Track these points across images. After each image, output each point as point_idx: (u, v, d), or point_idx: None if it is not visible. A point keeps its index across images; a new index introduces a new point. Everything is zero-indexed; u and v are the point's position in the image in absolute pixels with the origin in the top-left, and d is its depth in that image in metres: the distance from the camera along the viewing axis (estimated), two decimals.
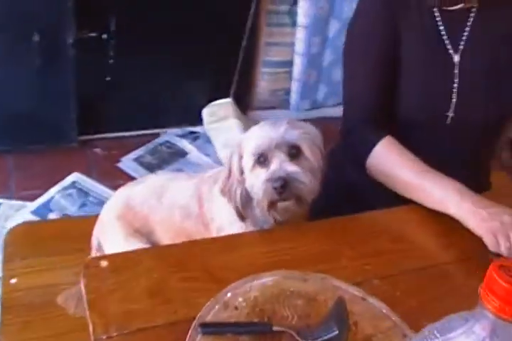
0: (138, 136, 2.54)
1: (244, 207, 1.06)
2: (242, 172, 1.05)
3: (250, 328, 0.81)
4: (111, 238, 1.22)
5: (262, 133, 1.02)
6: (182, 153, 2.47)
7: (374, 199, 1.17)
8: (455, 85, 1.17)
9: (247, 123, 2.49)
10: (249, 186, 1.04)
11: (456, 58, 1.17)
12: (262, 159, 1.01)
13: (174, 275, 0.90)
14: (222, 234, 1.13)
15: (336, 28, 2.66)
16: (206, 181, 1.19)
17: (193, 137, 2.58)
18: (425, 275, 0.99)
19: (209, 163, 2.40)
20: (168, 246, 1.09)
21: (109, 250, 1.20)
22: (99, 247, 1.23)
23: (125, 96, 2.44)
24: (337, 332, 0.80)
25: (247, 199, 1.05)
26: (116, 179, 2.20)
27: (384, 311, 0.89)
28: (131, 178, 2.17)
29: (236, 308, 0.84)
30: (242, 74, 2.55)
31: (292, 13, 2.51)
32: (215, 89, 2.54)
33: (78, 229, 1.35)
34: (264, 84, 2.66)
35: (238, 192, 1.04)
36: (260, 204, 1.03)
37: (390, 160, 1.13)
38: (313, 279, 0.92)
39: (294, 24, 2.54)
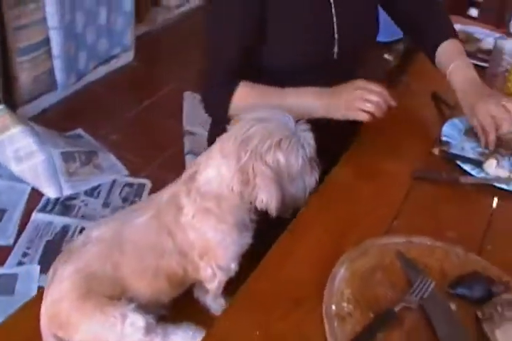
0: None
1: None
2: None
3: (380, 323, 0.82)
4: (83, 325, 1.02)
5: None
6: None
7: None
8: (335, 23, 1.21)
9: (31, 126, 2.16)
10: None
11: None
12: None
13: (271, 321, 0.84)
14: (210, 256, 1.06)
15: None
16: (166, 210, 1.06)
17: None
18: None
19: (8, 185, 2.05)
20: None
21: (82, 339, 1.02)
22: None
23: None
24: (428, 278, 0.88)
25: None
26: None
27: (428, 243, 0.98)
28: None
29: (350, 315, 0.84)
30: (3, 74, 2.13)
31: None
32: None
33: None
34: (25, 74, 2.26)
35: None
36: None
37: (251, 96, 1.20)
38: (368, 248, 0.95)
39: None
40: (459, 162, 1.20)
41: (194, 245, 1.05)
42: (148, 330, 0.99)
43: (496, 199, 1.13)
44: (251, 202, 1.00)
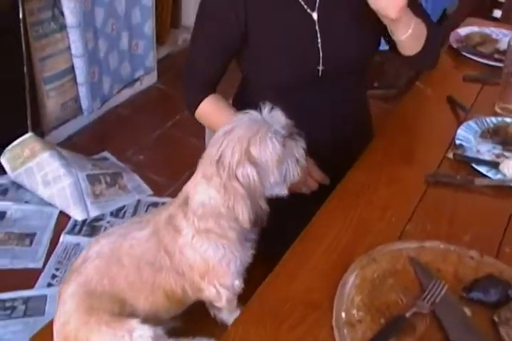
0: None
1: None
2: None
3: (391, 329, 0.81)
4: (93, 339, 1.03)
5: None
6: None
7: None
8: (319, 40, 1.20)
9: (58, 150, 2.22)
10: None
11: (315, 15, 1.20)
12: None
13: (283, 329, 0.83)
14: (212, 275, 1.06)
15: (101, 16, 2.47)
16: (165, 230, 1.06)
17: (1, 192, 2.22)
18: None
19: (37, 210, 2.11)
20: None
21: None
22: None
23: None
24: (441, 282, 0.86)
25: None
26: None
27: (442, 247, 0.96)
28: None
29: (360, 322, 0.82)
30: (32, 103, 2.21)
31: (56, 17, 2.20)
32: (6, 130, 2.16)
33: None
34: (52, 101, 2.35)
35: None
36: None
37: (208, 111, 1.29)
38: (378, 255, 0.93)
39: (61, 28, 2.24)
40: (473, 164, 1.18)
41: (193, 266, 1.05)
42: None
43: None
44: None
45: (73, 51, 2.35)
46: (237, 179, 0.96)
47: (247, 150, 0.97)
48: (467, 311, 0.84)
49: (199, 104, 1.29)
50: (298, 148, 1.04)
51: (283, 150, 0.99)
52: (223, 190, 0.98)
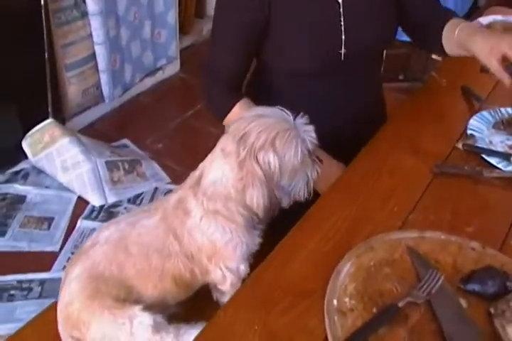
0: None
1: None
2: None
3: (382, 318, 0.80)
4: (94, 324, 1.04)
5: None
6: (20, 199, 2.15)
7: None
8: (342, 23, 1.19)
9: (78, 137, 2.26)
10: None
11: None
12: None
13: (272, 315, 0.83)
14: (218, 257, 1.07)
15: (123, 4, 2.48)
16: (173, 214, 1.07)
17: (22, 176, 2.27)
18: None
19: (56, 195, 2.16)
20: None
21: (94, 337, 1.03)
22: None
23: None
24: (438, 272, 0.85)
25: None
26: None
27: (443, 237, 0.94)
28: None
29: (352, 310, 0.82)
30: (53, 89, 2.25)
31: (78, 5, 2.23)
32: (28, 116, 2.21)
33: None
34: (73, 88, 2.38)
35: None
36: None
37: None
38: (376, 243, 0.92)
39: (83, 15, 2.27)
40: (484, 155, 1.15)
41: (201, 248, 1.06)
42: (157, 329, 1.00)
43: None
44: None
45: (95, 38, 2.37)
46: (258, 162, 0.96)
47: (273, 140, 0.96)
48: (463, 303, 0.82)
49: (230, 111, 1.25)
50: (313, 170, 1.04)
51: (302, 160, 0.99)
52: (237, 169, 0.97)
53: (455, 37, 1.20)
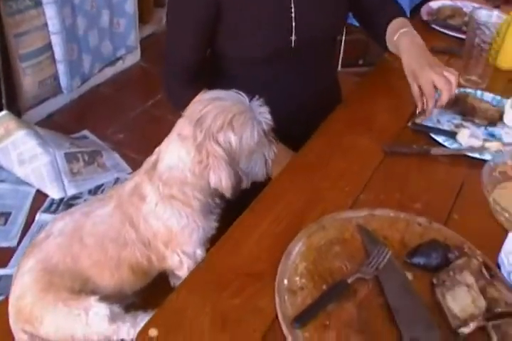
0: None
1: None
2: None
3: (331, 294, 0.81)
4: (47, 317, 1.02)
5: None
6: None
7: None
8: (292, 10, 1.20)
9: (35, 129, 2.21)
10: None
11: None
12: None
13: (223, 297, 0.83)
14: (175, 243, 1.07)
15: None
16: (128, 201, 1.06)
17: None
18: None
19: (13, 189, 2.11)
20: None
21: (48, 331, 1.03)
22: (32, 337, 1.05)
23: None
24: (385, 248, 0.87)
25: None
26: None
27: (392, 215, 0.95)
28: None
29: (302, 289, 0.83)
30: (6, 81, 2.19)
31: None
32: None
33: None
34: (29, 79, 2.33)
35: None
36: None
37: None
38: (327, 222, 0.93)
39: (37, 4, 2.21)
40: (432, 134, 1.17)
41: (157, 234, 1.06)
42: (113, 319, 1.00)
43: (467, 170, 1.09)
44: None
45: (50, 28, 2.32)
46: (218, 143, 0.96)
47: (231, 121, 0.96)
48: (409, 276, 0.84)
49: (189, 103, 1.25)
50: (270, 150, 1.05)
51: (259, 141, 1.00)
52: (195, 152, 0.97)
53: (394, 40, 1.24)
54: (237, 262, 0.89)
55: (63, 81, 2.48)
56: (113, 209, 1.07)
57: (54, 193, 2.05)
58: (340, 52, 2.88)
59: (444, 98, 1.12)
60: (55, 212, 1.99)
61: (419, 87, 1.16)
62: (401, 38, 1.23)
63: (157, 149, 1.06)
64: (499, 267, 0.86)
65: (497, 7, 1.72)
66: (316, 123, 1.25)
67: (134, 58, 2.99)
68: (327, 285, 0.83)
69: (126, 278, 1.08)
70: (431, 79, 1.13)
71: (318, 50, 1.31)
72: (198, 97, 1.02)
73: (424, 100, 1.16)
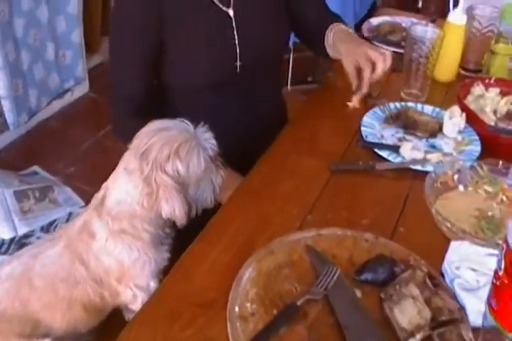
0: None
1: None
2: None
3: (282, 318, 0.80)
4: None
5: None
6: None
7: None
8: (236, 37, 1.21)
9: None
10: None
11: (231, 12, 1.20)
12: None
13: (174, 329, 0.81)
14: (127, 277, 1.05)
15: (21, 26, 2.39)
16: (78, 239, 1.05)
17: None
18: None
19: None
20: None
21: None
22: None
23: None
24: (334, 267, 0.87)
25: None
26: None
27: (339, 233, 0.96)
28: None
29: (253, 314, 0.82)
30: None
31: None
32: None
33: None
34: None
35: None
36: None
37: None
38: (276, 247, 0.93)
39: None
40: (376, 149, 1.19)
41: (109, 270, 1.04)
42: None
43: (411, 182, 1.11)
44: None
45: None
46: (166, 173, 0.95)
47: (177, 151, 0.96)
48: (358, 293, 0.84)
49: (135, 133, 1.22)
50: (217, 175, 1.05)
51: (206, 168, 1.00)
52: (143, 185, 0.96)
53: (329, 40, 1.28)
54: (188, 292, 0.87)
55: (9, 117, 2.42)
56: (62, 249, 1.05)
57: (4, 233, 1.98)
58: (288, 71, 2.93)
59: (379, 69, 1.16)
60: (6, 252, 1.92)
61: (355, 68, 1.19)
62: (334, 34, 1.28)
63: (104, 184, 1.05)
64: (443, 276, 0.87)
65: (434, 21, 1.79)
66: (263, 145, 1.26)
67: (82, 89, 2.96)
68: (277, 310, 0.82)
69: (79, 318, 1.06)
70: (366, 52, 1.17)
71: (262, 72, 1.32)
72: (144, 129, 1.01)
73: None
